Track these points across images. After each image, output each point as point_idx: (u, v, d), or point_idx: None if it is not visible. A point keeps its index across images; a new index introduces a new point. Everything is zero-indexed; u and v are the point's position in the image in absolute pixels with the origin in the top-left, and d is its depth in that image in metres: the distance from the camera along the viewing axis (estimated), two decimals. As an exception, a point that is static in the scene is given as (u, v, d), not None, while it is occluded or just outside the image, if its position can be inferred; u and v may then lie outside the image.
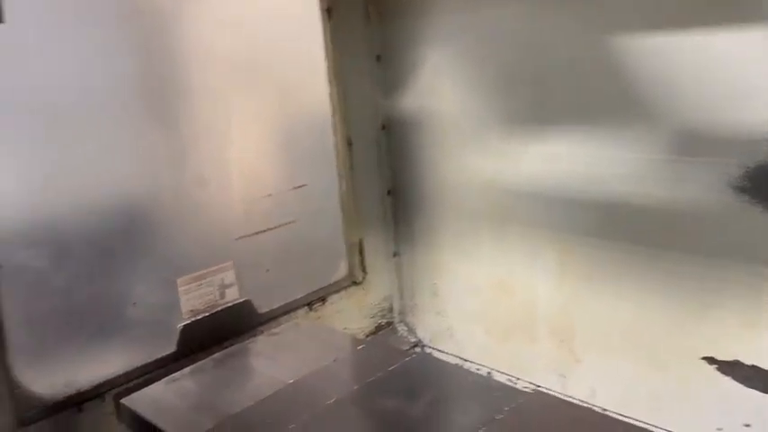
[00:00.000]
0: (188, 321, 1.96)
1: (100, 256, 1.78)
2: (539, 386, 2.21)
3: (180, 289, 1.94)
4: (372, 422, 1.41)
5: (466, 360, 2.46)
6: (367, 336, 2.53)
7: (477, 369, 2.41)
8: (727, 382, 1.75)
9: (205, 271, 1.99)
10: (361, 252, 2.44)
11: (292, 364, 1.73)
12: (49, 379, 1.71)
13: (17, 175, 1.63)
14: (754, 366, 1.70)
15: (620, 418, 1.95)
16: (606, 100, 1.86)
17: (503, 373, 2.33)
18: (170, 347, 1.93)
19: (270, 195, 2.14)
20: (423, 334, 2.61)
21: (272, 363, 1.79)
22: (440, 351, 2.55)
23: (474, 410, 1.45)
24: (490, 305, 2.32)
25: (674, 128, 1.73)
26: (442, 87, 2.27)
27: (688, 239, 1.76)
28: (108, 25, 1.77)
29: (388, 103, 2.45)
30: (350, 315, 2.45)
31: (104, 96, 1.77)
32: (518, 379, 2.28)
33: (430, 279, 2.51)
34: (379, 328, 2.58)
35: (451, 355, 2.50)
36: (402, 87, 2.40)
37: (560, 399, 1.47)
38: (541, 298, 2.16)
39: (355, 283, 2.44)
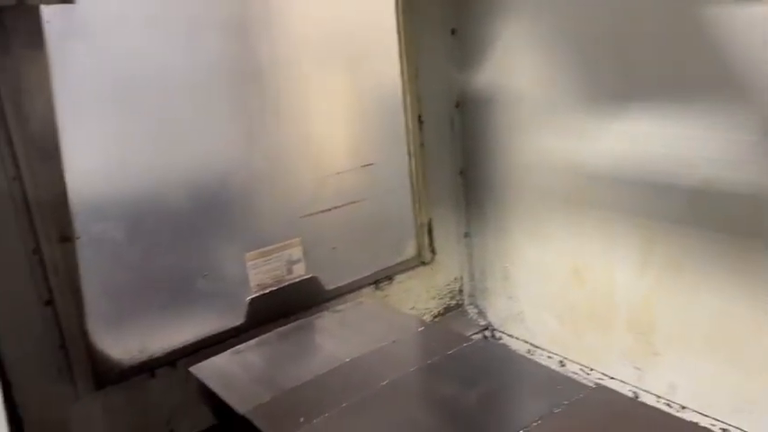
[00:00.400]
0: (256, 295, 2.00)
1: (172, 229, 1.84)
2: (612, 377, 2.11)
3: (248, 263, 1.98)
4: (423, 407, 1.38)
5: (537, 347, 2.38)
6: (435, 317, 2.49)
7: (549, 357, 2.33)
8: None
9: (273, 246, 2.02)
10: (430, 232, 2.40)
11: (353, 342, 1.73)
12: (124, 345, 1.81)
13: (95, 151, 1.70)
14: None
15: (699, 416, 1.83)
16: (697, 75, 1.71)
17: (575, 362, 2.24)
18: (239, 319, 1.99)
19: (338, 173, 2.13)
20: (493, 318, 2.55)
21: (333, 340, 1.80)
22: (510, 336, 2.48)
23: (531, 402, 1.39)
24: (564, 292, 2.22)
25: (770, 106, 1.56)
26: (519, 62, 2.17)
27: (782, 230, 1.60)
28: (190, 2, 1.80)
29: (463, 79, 2.37)
30: (417, 295, 2.42)
31: (181, 73, 1.81)
32: (591, 369, 2.19)
33: (501, 262, 2.44)
34: (447, 309, 2.54)
35: (522, 340, 2.43)
36: (478, 62, 2.31)
37: (624, 395, 1.38)
38: (619, 287, 2.04)
39: (423, 264, 2.41)
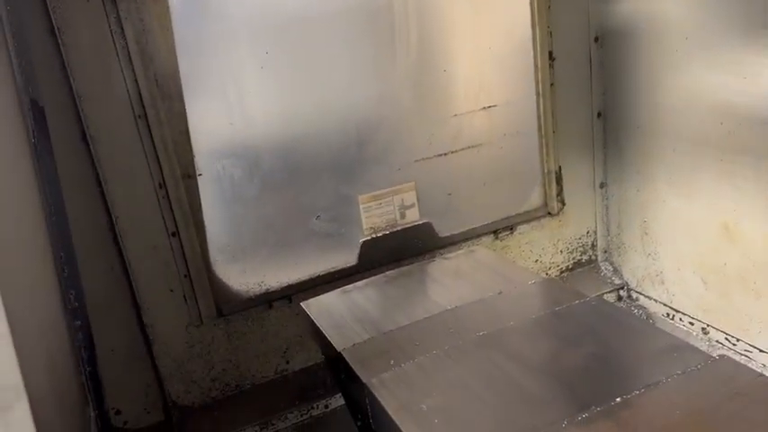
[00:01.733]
0: (368, 238, 2.01)
1: (288, 169, 1.89)
2: (762, 350, 1.85)
3: (361, 206, 1.98)
4: (515, 362, 1.29)
5: (677, 311, 2.15)
6: (562, 272, 2.34)
7: (691, 323, 2.10)
8: None
9: (386, 190, 2.00)
10: (558, 180, 2.22)
11: (458, 290, 1.67)
12: (243, 278, 1.91)
13: (216, 90, 1.77)
14: None
15: None
16: None
17: (720, 330, 1.99)
18: (351, 260, 2.01)
19: (456, 116, 2.03)
20: (629, 277, 2.33)
21: (438, 287, 1.75)
22: (648, 297, 2.26)
23: (638, 369, 1.24)
24: (711, 251, 1.96)
25: None
26: (669, -13, 1.90)
27: None
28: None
29: (603, 9, 2.12)
30: (542, 248, 2.28)
31: (302, 11, 1.79)
32: (738, 340, 1.93)
33: (640, 215, 2.20)
34: (578, 264, 2.37)
35: (661, 303, 2.21)
36: (622, -9, 2.06)
37: (751, 369, 1.17)
38: (778, 248, 1.76)
39: (550, 215, 2.25)
